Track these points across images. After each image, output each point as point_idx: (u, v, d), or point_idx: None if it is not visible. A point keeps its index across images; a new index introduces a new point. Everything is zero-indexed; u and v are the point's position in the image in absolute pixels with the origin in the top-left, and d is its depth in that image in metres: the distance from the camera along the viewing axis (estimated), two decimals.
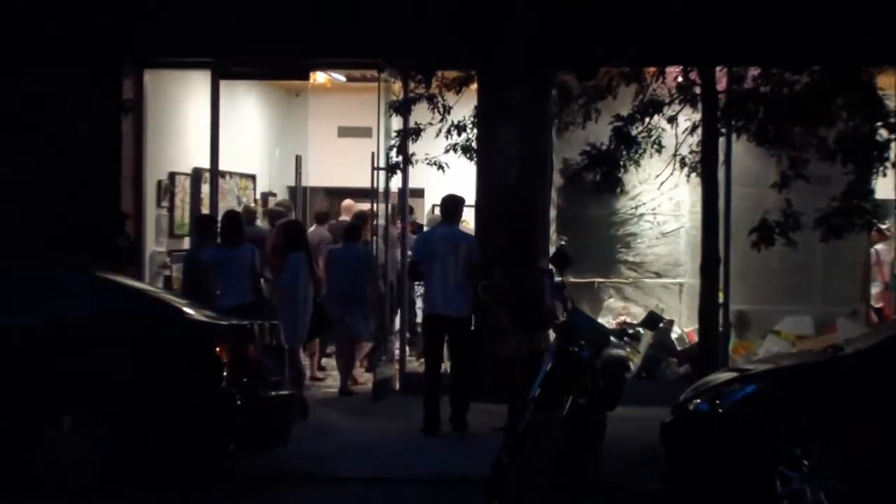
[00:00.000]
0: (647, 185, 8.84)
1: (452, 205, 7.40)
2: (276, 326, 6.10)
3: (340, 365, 8.70)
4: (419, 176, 9.00)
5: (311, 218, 10.13)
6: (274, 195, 11.30)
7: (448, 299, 7.10)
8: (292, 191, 10.57)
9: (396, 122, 8.55)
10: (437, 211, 9.29)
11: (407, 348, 8.94)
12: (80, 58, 8.33)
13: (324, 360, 9.59)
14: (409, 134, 8.00)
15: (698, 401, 5.54)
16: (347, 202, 10.37)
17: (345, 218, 9.88)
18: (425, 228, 9.30)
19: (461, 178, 8.56)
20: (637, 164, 7.59)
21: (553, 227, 8.72)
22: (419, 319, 8.66)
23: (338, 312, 8.46)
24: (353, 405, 8.15)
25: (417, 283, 8.47)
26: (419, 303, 8.81)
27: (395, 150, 8.09)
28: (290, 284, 7.40)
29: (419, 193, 10.70)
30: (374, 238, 8.60)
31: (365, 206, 9.36)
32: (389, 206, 8.82)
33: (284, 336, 6.27)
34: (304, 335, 7.44)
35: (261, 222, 10.04)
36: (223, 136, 9.30)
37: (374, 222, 8.67)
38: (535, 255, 7.88)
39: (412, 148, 8.13)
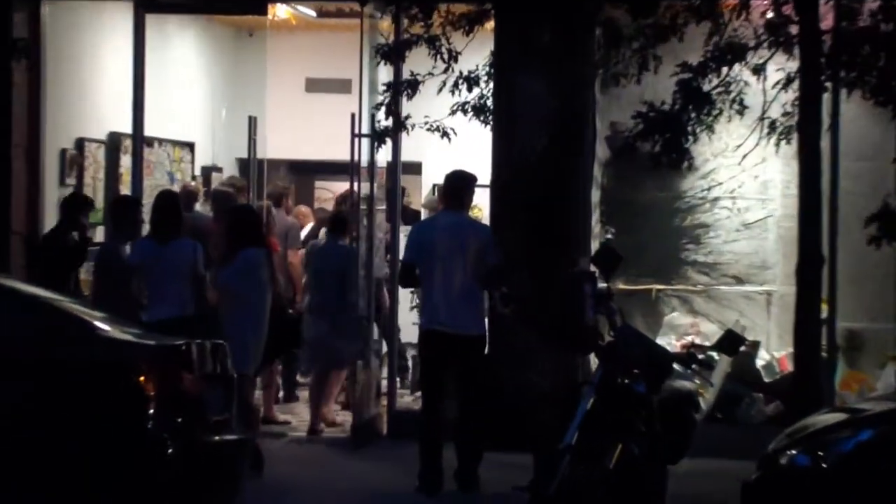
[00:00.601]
0: (725, 158, 8.90)
1: (460, 185, 7.42)
2: (221, 347, 6.10)
3: (314, 397, 8.81)
4: (415, 146, 9.05)
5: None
6: (219, 170, 11.37)
7: (453, 313, 7.16)
8: (244, 165, 10.65)
9: (385, 74, 8.57)
10: (439, 193, 9.36)
11: (397, 378, 9.06)
12: None
13: (297, 388, 9.74)
14: (403, 89, 8.04)
15: (794, 452, 5.55)
16: (304, 208, 10.49)
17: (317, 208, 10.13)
18: (423, 216, 9.44)
19: (472, 148, 8.61)
20: (711, 129, 7.60)
21: (596, 216, 8.78)
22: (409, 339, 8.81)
23: (320, 330, 8.55)
24: (325, 454, 8.21)
25: (412, 290, 8.60)
26: (409, 316, 8.93)
27: (383, 110, 8.13)
28: (240, 291, 7.45)
29: (415, 169, 10.78)
30: (354, 231, 8.72)
31: (341, 188, 9.56)
32: (375, 186, 8.82)
33: (233, 360, 6.26)
34: (259, 357, 7.54)
35: (202, 207, 10.11)
36: (150, 90, 9.35)
37: (351, 207, 8.87)
38: (572, 254, 7.89)
39: (406, 108, 8.16)
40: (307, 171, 12.37)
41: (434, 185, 10.00)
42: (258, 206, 9.20)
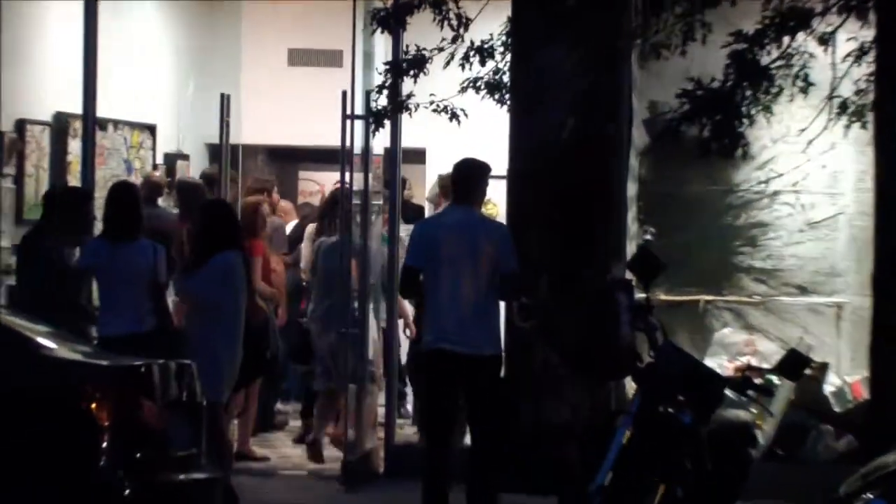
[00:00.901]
0: (786, 144, 8.90)
1: (471, 176, 7.46)
2: (188, 369, 6.12)
3: (322, 415, 8.97)
4: (419, 130, 9.06)
5: (242, 193, 10.30)
6: (185, 158, 11.38)
7: (463, 328, 7.18)
8: (214, 151, 10.66)
9: (383, 45, 8.61)
10: (440, 185, 9.44)
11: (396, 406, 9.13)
12: None
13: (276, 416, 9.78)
14: (407, 68, 8.02)
15: (870, 496, 5.54)
16: (284, 204, 10.52)
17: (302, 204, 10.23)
18: (427, 213, 9.50)
19: (485, 133, 8.60)
20: (769, 110, 7.58)
21: (633, 214, 8.77)
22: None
23: (325, 343, 8.64)
24: (311, 495, 8.24)
25: (414, 301, 8.59)
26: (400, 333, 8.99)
27: (380, 88, 8.14)
28: (211, 302, 7.46)
29: (418, 157, 10.86)
30: (343, 228, 8.71)
31: (330, 179, 9.59)
32: (370, 177, 8.83)
33: (203, 384, 6.27)
34: (232, 382, 7.56)
35: (165, 201, 10.14)
36: (104, 63, 9.29)
37: (334, 205, 8.95)
38: (604, 259, 7.89)
39: (408, 85, 8.17)
40: (290, 160, 12.38)
41: (440, 177, 9.95)
42: (248, 203, 9.25)
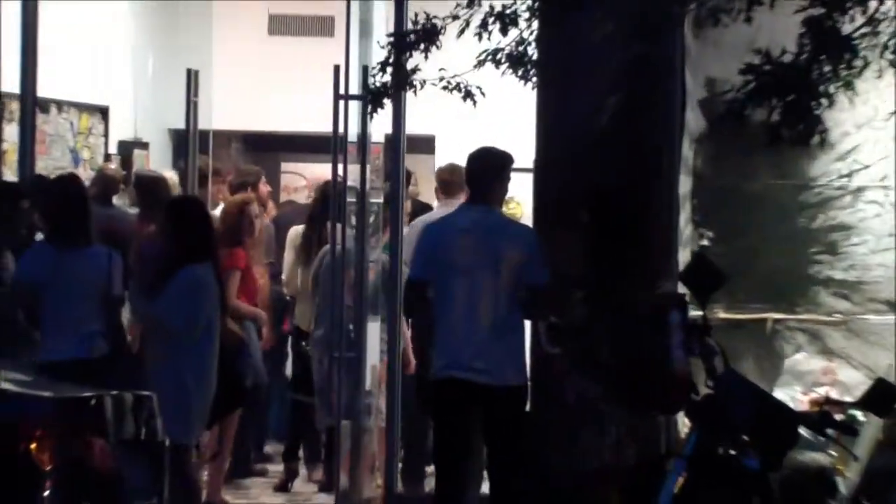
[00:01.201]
0: (873, 130, 8.94)
1: (489, 169, 7.52)
2: (147, 403, 6.17)
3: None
4: (427, 113, 9.07)
5: (213, 192, 10.30)
6: (144, 146, 11.48)
7: (480, 353, 7.26)
8: (179, 138, 10.78)
9: (383, 10, 8.68)
10: (441, 178, 9.52)
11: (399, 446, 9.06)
12: None
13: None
14: (411, 35, 8.06)
15: None
16: (264, 187, 10.57)
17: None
18: (436, 213, 9.38)
19: (507, 117, 8.70)
20: (852, 88, 7.55)
21: (686, 214, 8.82)
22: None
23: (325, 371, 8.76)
24: None
25: (417, 319, 8.60)
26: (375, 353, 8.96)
27: (382, 66, 8.14)
28: (178, 326, 7.50)
29: (425, 146, 11.03)
30: (336, 230, 8.76)
31: (318, 172, 9.63)
32: (368, 170, 8.87)
33: (166, 422, 6.33)
34: (204, 419, 7.65)
35: (120, 200, 10.22)
36: (47, 34, 9.33)
37: (323, 203, 9.15)
38: (652, 269, 7.82)
39: (414, 59, 8.18)
40: (270, 149, 12.44)
41: (439, 169, 9.97)
42: (233, 202, 9.33)
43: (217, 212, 10.20)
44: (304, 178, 12.19)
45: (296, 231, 9.79)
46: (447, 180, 9.58)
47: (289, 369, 10.28)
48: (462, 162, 8.11)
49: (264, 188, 10.61)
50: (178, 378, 7.37)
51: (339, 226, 8.77)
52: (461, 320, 7.27)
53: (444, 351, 7.35)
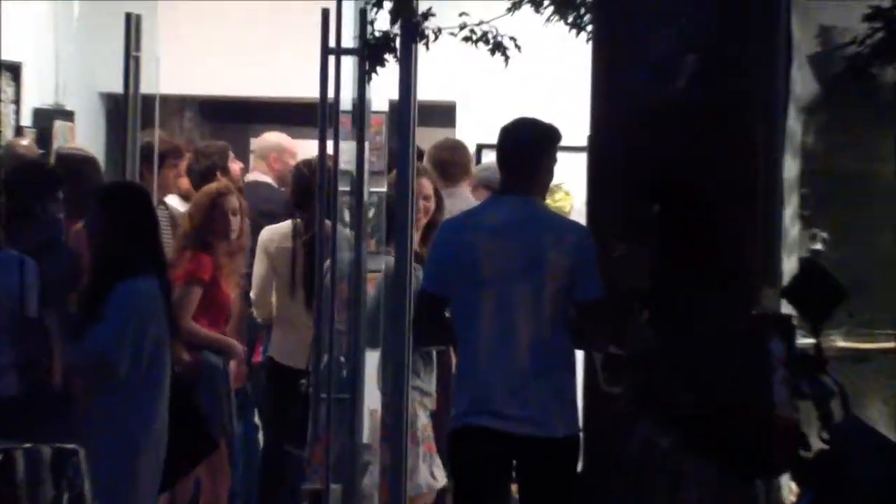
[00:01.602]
0: None
1: (528, 147, 7.64)
2: (73, 459, 6.23)
3: None
4: (444, 72, 9.29)
5: (172, 178, 10.43)
6: (69, 116, 11.58)
7: (516, 393, 7.38)
8: (114, 106, 10.95)
9: None
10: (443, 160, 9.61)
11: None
12: None
13: None
14: None
15: None
16: (235, 165, 10.79)
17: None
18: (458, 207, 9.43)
19: (551, 79, 8.81)
20: None
21: (793, 208, 8.74)
22: None
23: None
24: None
25: (434, 348, 8.84)
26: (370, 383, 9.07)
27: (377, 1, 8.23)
28: (115, 359, 7.58)
29: (443, 117, 11.07)
30: (321, 223, 8.79)
31: (304, 149, 9.76)
32: (367, 147, 8.85)
33: (99, 485, 6.40)
34: (157, 482, 7.79)
35: None
36: None
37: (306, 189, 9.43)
38: (745, 282, 7.81)
39: (427, 1, 8.23)
40: (236, 119, 12.73)
41: (479, 148, 10.02)
42: (204, 193, 9.55)
43: (175, 203, 10.23)
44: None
45: (272, 233, 9.85)
46: (447, 161, 9.78)
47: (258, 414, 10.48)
48: (489, 139, 8.11)
49: (236, 166, 10.74)
50: (118, 426, 7.46)
51: (327, 223, 8.77)
52: (490, 350, 7.37)
53: (466, 391, 7.46)
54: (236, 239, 9.65)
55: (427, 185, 9.43)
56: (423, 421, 9.16)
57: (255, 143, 11.25)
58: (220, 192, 9.59)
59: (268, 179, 11.12)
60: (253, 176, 11.27)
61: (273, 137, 11.06)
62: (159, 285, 7.74)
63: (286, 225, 9.89)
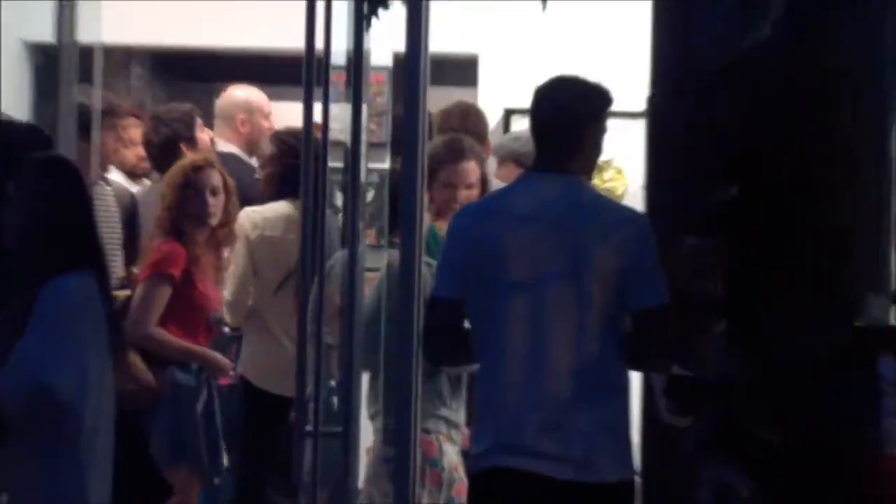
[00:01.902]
0: None
1: (572, 112, 7.67)
2: None
3: None
4: (462, 21, 9.42)
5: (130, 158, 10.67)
6: None
7: (553, 425, 7.43)
8: (44, 57, 11.30)
9: None
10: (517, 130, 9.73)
11: None
12: None
13: None
14: None
15: None
16: (203, 134, 11.05)
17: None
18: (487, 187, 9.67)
19: (598, 30, 9.00)
20: None
21: None
22: None
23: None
24: None
25: (448, 366, 8.82)
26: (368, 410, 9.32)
27: None
28: (40, 383, 7.58)
29: (460, 74, 11.16)
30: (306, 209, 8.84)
31: (281, 115, 9.89)
32: (364, 112, 8.75)
33: None
34: None
35: None
36: None
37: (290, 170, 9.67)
38: (845, 290, 7.90)
39: None
40: (197, 77, 13.03)
41: (508, 113, 10.05)
42: (178, 168, 9.68)
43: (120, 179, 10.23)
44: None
45: (251, 217, 9.99)
46: (454, 129, 9.78)
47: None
48: (520, 103, 8.32)
49: (205, 136, 10.91)
50: (47, 479, 7.51)
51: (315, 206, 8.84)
52: (520, 371, 7.40)
53: (490, 423, 7.52)
54: (219, 226, 9.72)
55: (474, 171, 9.51)
56: (452, 459, 9.21)
57: (219, 102, 11.45)
58: (195, 166, 9.64)
59: (234, 150, 11.23)
60: (221, 146, 11.39)
61: (241, 93, 11.17)
62: (96, 284, 7.74)
63: (273, 208, 10.00)
